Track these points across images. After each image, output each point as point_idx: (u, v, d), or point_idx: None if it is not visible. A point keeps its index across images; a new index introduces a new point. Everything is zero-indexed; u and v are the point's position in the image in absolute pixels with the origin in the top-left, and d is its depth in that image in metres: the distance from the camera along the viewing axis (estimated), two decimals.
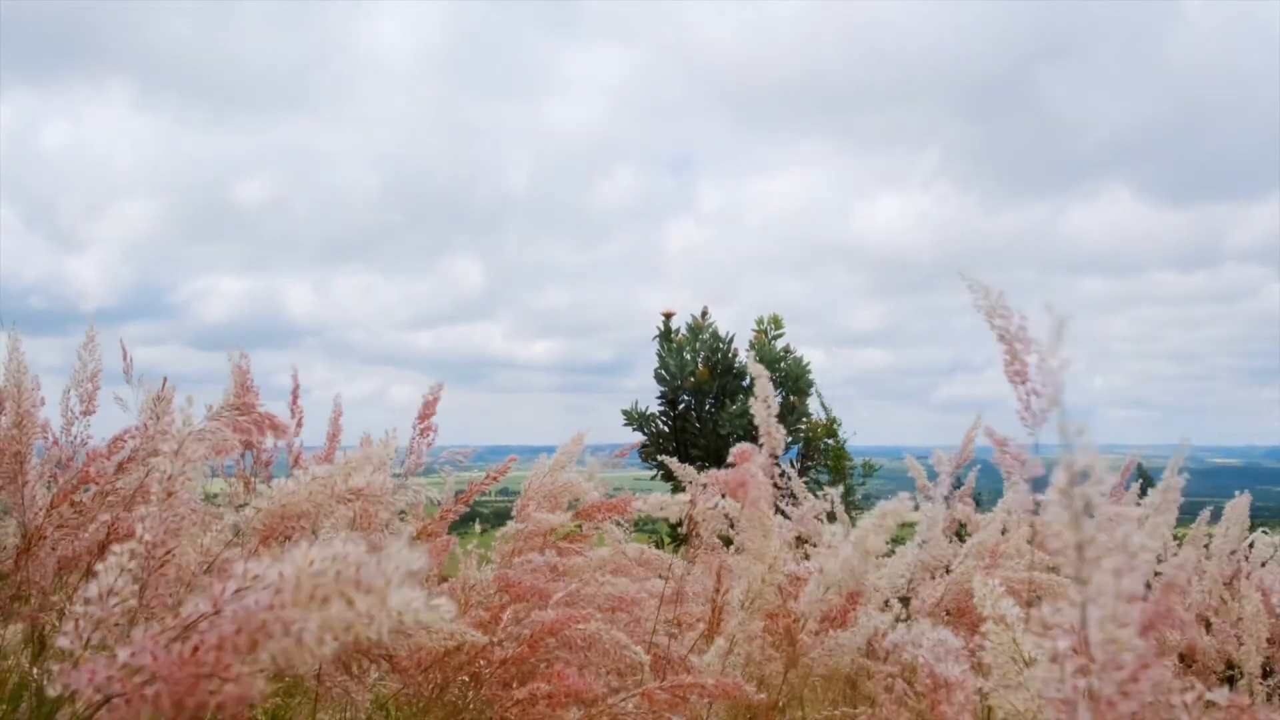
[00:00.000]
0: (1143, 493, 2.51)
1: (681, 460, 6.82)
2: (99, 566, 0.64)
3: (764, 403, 1.52)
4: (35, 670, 1.28)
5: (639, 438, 7.63)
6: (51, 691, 0.54)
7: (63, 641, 0.60)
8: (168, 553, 0.95)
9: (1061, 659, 0.55)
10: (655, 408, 7.63)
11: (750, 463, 1.26)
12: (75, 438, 1.59)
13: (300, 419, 2.15)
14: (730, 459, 1.36)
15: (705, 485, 1.32)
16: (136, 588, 0.63)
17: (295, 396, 2.03)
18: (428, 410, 1.78)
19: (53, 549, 1.36)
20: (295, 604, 0.50)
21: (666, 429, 7.60)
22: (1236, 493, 2.23)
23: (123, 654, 0.53)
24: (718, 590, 1.54)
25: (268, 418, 1.48)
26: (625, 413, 7.67)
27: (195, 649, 0.52)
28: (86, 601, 0.61)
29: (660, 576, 1.65)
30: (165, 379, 2.16)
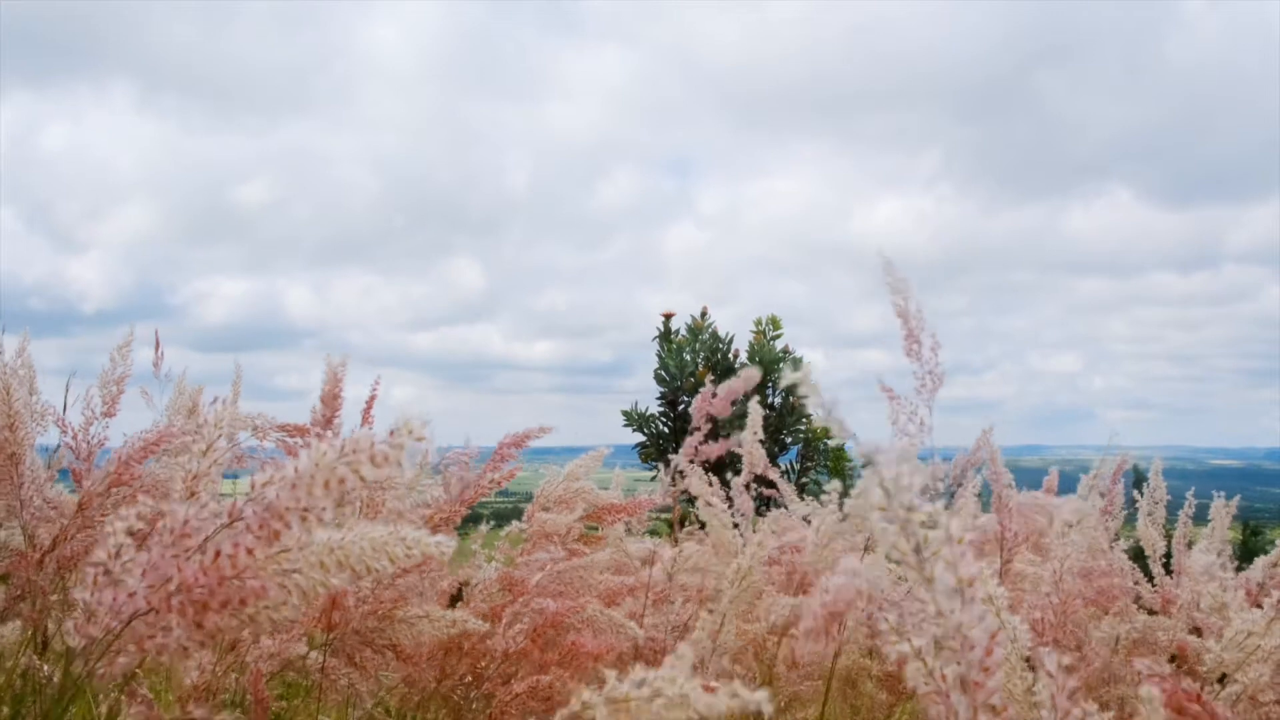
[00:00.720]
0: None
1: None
2: (107, 527, 0.65)
3: (752, 432, 1.58)
4: (44, 665, 1.28)
5: (639, 438, 7.63)
6: (71, 643, 0.55)
7: (78, 593, 0.61)
8: (187, 546, 0.96)
9: (922, 654, 0.58)
10: (655, 408, 7.63)
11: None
12: (93, 437, 1.60)
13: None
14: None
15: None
16: (138, 551, 0.64)
17: (370, 405, 2.03)
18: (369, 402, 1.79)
19: (52, 549, 1.36)
20: (311, 491, 0.52)
21: (666, 430, 7.60)
22: (1215, 494, 2.22)
23: (140, 570, 0.54)
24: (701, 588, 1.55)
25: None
26: (625, 413, 7.67)
27: (217, 554, 0.54)
28: (95, 564, 0.63)
29: (645, 563, 1.66)
30: (201, 388, 2.18)
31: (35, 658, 1.28)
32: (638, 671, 0.51)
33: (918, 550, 0.52)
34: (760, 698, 0.49)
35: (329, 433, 1.54)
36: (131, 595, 0.55)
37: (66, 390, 1.66)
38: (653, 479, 7.12)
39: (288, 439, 1.48)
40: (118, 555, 0.63)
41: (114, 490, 1.36)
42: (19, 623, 1.19)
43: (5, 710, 1.23)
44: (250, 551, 0.54)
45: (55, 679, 1.21)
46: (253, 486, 0.56)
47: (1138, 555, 1.95)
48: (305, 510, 0.54)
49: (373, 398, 1.78)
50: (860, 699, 1.90)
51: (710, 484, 1.74)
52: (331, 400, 1.60)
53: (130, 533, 0.62)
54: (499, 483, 1.54)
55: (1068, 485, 2.47)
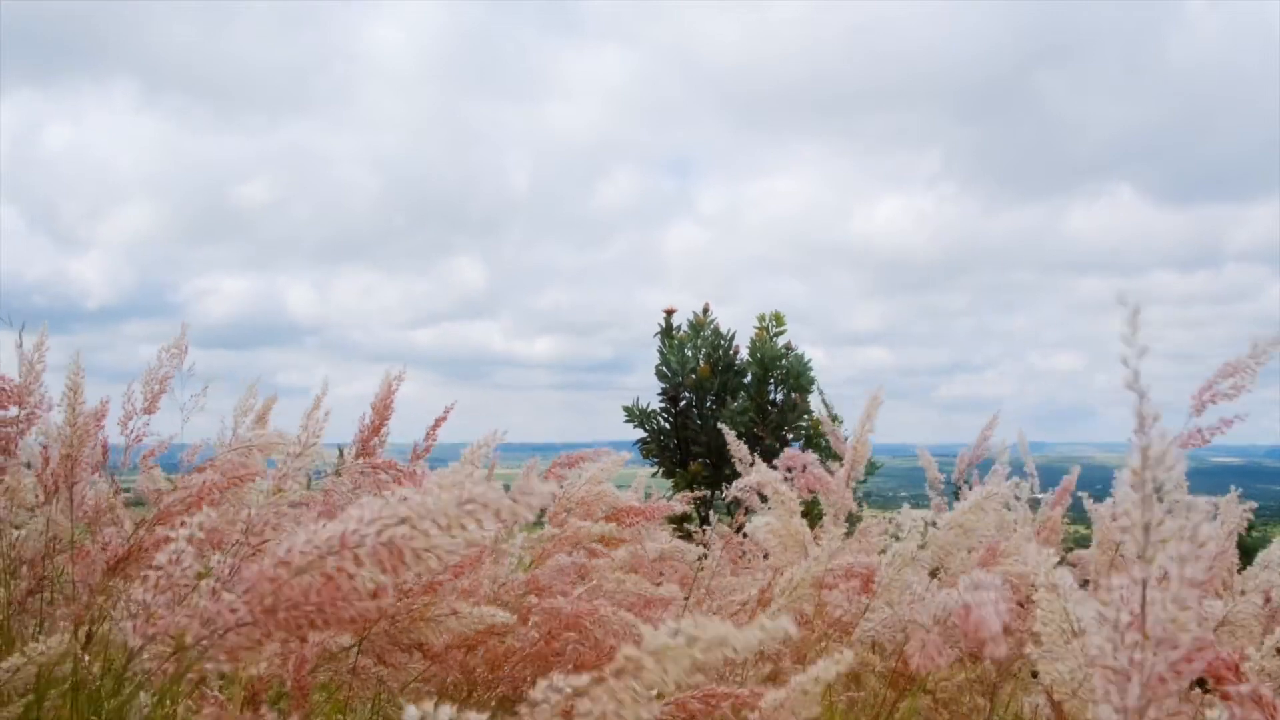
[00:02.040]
0: None
1: (683, 456, 6.77)
2: (171, 532, 0.67)
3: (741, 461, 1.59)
4: (87, 656, 1.29)
5: (640, 434, 7.64)
6: (132, 643, 0.56)
7: (139, 593, 0.62)
8: (263, 542, 0.98)
9: (1121, 628, 0.56)
10: (656, 405, 7.64)
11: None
12: (131, 433, 1.62)
13: (430, 446, 2.15)
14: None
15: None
16: (197, 561, 0.65)
17: (438, 424, 2.03)
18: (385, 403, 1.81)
19: (103, 548, 1.38)
20: (428, 533, 0.54)
21: (668, 426, 7.60)
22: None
23: (243, 580, 0.56)
24: (769, 585, 1.55)
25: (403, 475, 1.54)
26: (627, 409, 7.68)
27: (328, 578, 0.55)
28: (157, 567, 0.64)
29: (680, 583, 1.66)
30: (274, 397, 2.18)
31: (83, 654, 1.29)
32: (670, 623, 0.53)
33: (1146, 529, 0.51)
34: (785, 625, 0.52)
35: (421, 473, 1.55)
36: (234, 611, 0.56)
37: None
38: (653, 475, 7.13)
39: (384, 476, 1.51)
40: (178, 561, 0.64)
41: (193, 511, 1.38)
42: (65, 635, 1.21)
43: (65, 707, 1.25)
44: (412, 593, 0.56)
45: (99, 675, 1.23)
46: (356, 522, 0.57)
47: None
48: (425, 550, 0.55)
49: (442, 420, 1.81)
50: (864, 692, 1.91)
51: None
52: (383, 409, 1.62)
53: (190, 540, 0.63)
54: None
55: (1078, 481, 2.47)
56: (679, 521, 4.87)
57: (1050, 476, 2.60)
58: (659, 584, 1.71)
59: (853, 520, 2.05)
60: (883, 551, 1.97)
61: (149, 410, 1.62)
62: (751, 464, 2.04)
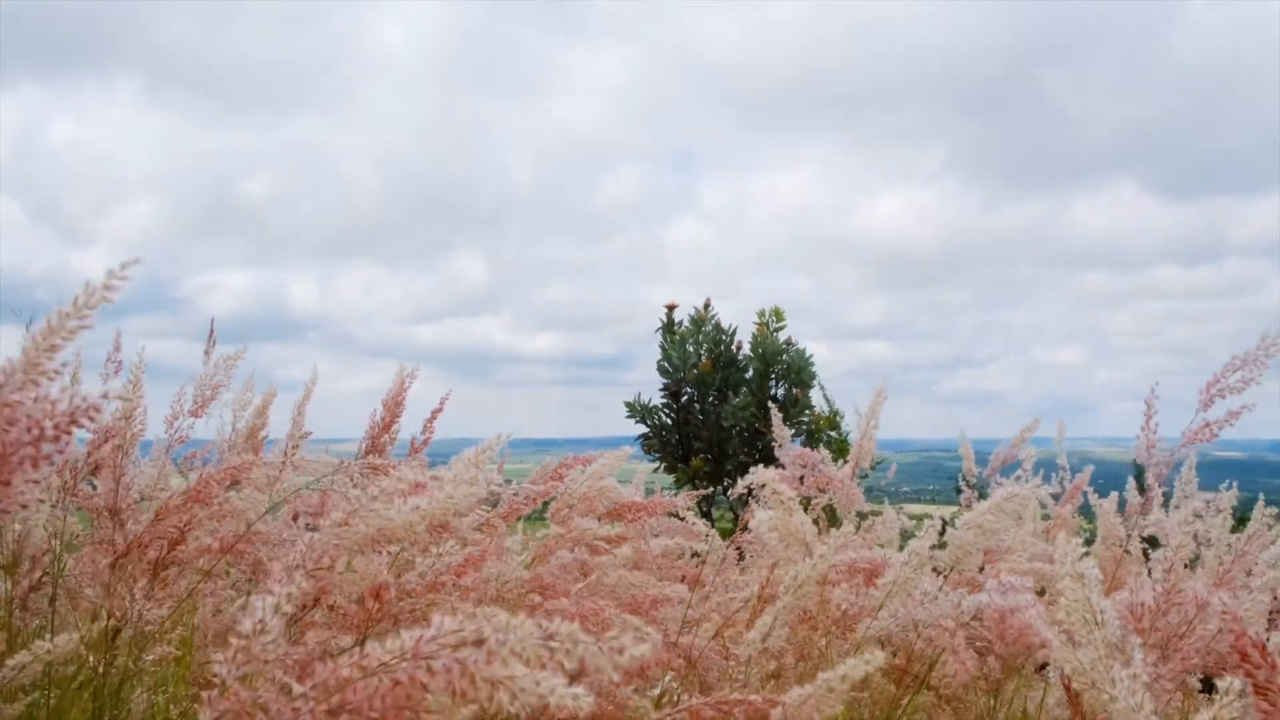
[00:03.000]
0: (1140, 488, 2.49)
1: (684, 452, 6.76)
2: (255, 602, 0.66)
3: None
4: (101, 660, 1.30)
5: (641, 429, 7.63)
6: (204, 716, 0.55)
7: (218, 668, 0.62)
8: (328, 567, 0.98)
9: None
10: (658, 400, 7.63)
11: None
12: (175, 432, 1.67)
13: (427, 440, 2.15)
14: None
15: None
16: (282, 631, 0.64)
17: (435, 415, 2.03)
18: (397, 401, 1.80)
19: (126, 553, 1.39)
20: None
21: (669, 421, 7.60)
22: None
23: (315, 674, 0.55)
24: (768, 580, 1.54)
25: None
26: (628, 405, 7.68)
27: (396, 683, 0.54)
28: (240, 636, 0.63)
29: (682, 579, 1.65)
30: (274, 393, 2.19)
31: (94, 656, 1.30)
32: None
33: None
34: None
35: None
36: (297, 711, 0.56)
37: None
38: (655, 470, 7.12)
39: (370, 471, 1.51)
40: (263, 632, 0.62)
41: (190, 506, 1.39)
42: (74, 634, 1.21)
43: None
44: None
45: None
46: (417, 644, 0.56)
47: (1153, 543, 1.95)
48: (502, 679, 0.54)
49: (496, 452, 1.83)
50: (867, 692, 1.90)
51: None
52: (394, 406, 1.65)
53: (277, 610, 0.61)
54: (546, 493, 1.57)
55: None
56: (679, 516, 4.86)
57: (1050, 471, 2.59)
58: (663, 580, 1.70)
59: (862, 516, 2.04)
60: (885, 546, 1.96)
61: (196, 414, 1.67)
62: (756, 459, 2.03)
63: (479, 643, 0.54)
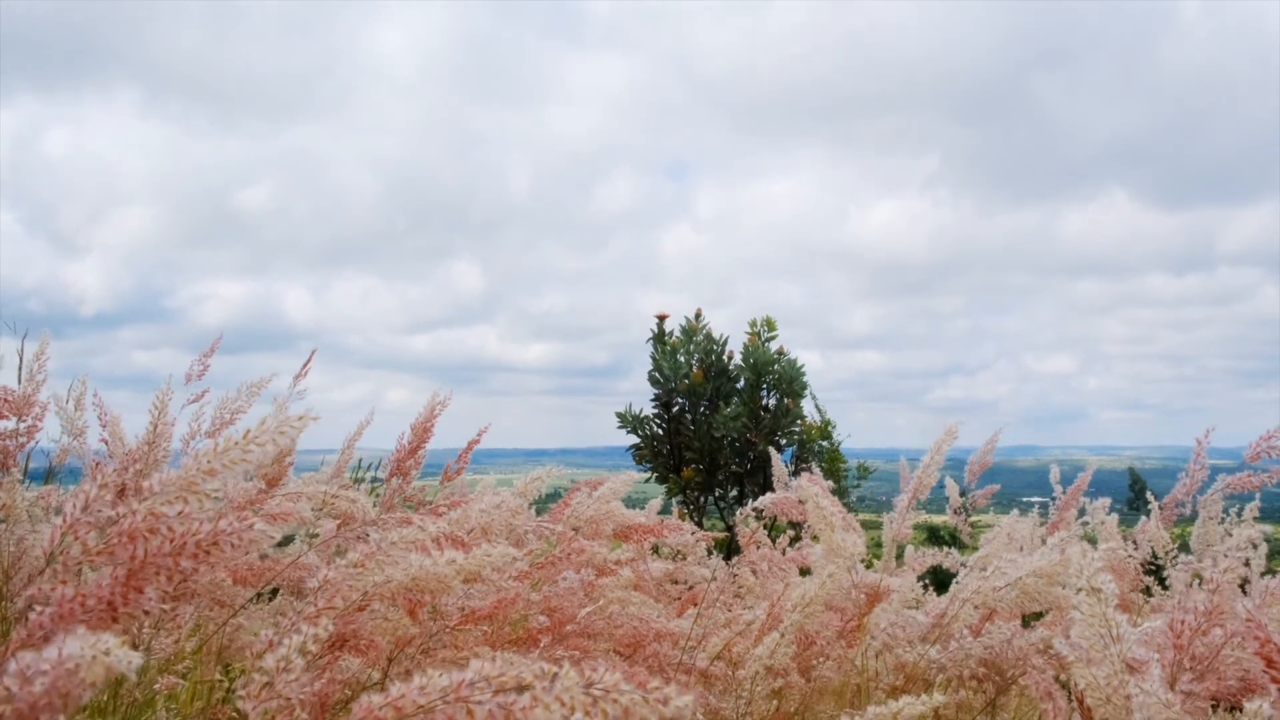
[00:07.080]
0: (1137, 496, 2.52)
1: (676, 462, 6.77)
2: (281, 643, 0.66)
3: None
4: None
5: (633, 440, 7.63)
6: None
7: (242, 704, 0.63)
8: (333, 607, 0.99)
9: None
10: (649, 410, 7.63)
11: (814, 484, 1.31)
12: (190, 452, 1.69)
13: (461, 469, 2.15)
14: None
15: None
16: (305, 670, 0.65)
17: (468, 449, 2.04)
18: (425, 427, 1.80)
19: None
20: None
21: (661, 431, 7.61)
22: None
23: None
24: (780, 595, 1.55)
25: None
26: (620, 415, 7.68)
27: None
28: (263, 671, 0.64)
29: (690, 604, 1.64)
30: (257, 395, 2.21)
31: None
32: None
33: None
34: None
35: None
36: None
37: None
38: (646, 480, 7.13)
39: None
40: (286, 669, 0.62)
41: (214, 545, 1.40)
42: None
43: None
44: None
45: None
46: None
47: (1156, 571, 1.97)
48: None
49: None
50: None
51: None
52: (422, 432, 1.65)
53: (301, 651, 0.62)
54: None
55: (1069, 482, 2.49)
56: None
57: (1041, 478, 2.61)
58: (662, 601, 1.71)
59: (900, 550, 2.04)
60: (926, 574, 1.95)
61: (212, 435, 1.67)
62: (747, 469, 2.04)
63: (521, 688, 0.54)
